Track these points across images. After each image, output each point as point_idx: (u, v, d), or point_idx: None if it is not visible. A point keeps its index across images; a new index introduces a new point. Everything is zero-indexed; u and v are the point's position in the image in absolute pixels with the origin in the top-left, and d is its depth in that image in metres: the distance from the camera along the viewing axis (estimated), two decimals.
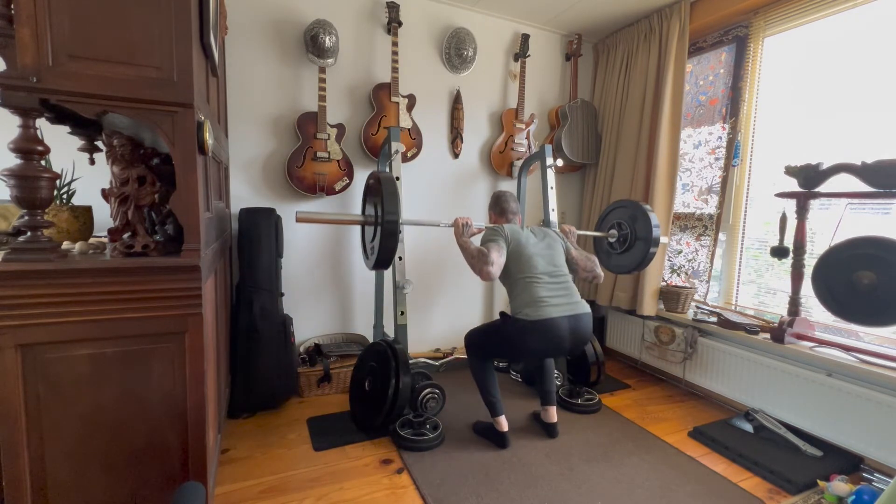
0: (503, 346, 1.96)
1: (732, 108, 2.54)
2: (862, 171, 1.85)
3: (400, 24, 2.56)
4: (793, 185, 2.11)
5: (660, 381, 2.82)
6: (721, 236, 2.62)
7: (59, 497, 1.10)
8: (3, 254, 1.05)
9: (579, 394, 2.38)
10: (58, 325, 1.05)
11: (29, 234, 1.05)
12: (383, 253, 1.80)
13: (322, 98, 2.41)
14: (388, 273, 2.55)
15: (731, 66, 2.57)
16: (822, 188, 2.04)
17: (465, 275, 3.03)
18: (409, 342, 2.24)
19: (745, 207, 2.53)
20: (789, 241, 2.14)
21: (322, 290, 2.67)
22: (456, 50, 2.77)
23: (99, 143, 1.43)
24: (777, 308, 2.40)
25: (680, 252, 2.86)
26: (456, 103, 2.84)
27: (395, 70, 2.55)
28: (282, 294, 2.35)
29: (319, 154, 2.44)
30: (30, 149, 1.03)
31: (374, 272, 2.66)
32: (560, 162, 3.05)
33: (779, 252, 2.15)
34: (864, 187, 1.87)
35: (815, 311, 2.21)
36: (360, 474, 1.76)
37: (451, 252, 2.98)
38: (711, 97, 2.70)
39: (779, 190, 2.17)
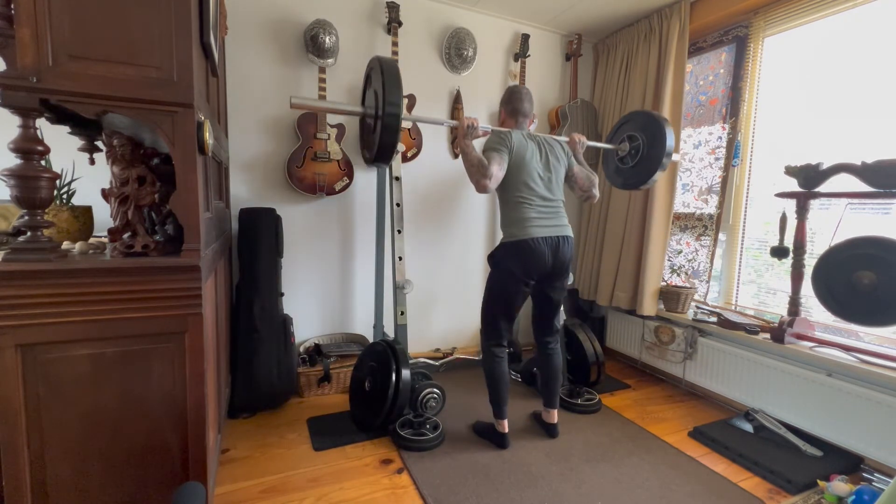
0: (498, 294, 1.93)
1: (732, 108, 2.54)
2: (862, 172, 1.85)
3: (400, 24, 2.56)
4: (793, 185, 2.11)
5: (660, 381, 2.82)
6: (721, 236, 2.62)
7: (59, 497, 1.10)
8: (3, 254, 1.05)
9: (579, 394, 2.38)
10: (58, 325, 1.05)
11: (29, 234, 1.05)
12: (383, 148, 1.68)
13: (322, 98, 2.41)
14: (388, 273, 2.55)
15: (731, 66, 2.57)
16: (822, 188, 2.04)
17: (465, 275, 3.04)
18: (409, 342, 2.24)
19: (745, 207, 2.53)
20: (789, 241, 2.14)
21: (322, 290, 2.67)
22: (456, 50, 2.77)
23: (99, 143, 1.43)
24: (777, 308, 2.40)
25: (680, 252, 2.86)
26: (456, 103, 2.84)
27: None
28: (282, 294, 2.35)
29: (319, 154, 2.44)
30: (30, 149, 1.03)
31: (374, 273, 2.67)
32: None
33: (779, 252, 2.15)
34: (864, 187, 1.87)
35: (815, 311, 2.21)
36: (360, 474, 1.76)
37: (452, 252, 2.99)
38: (711, 97, 2.70)
39: (779, 190, 2.18)
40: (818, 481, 1.73)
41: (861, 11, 2.04)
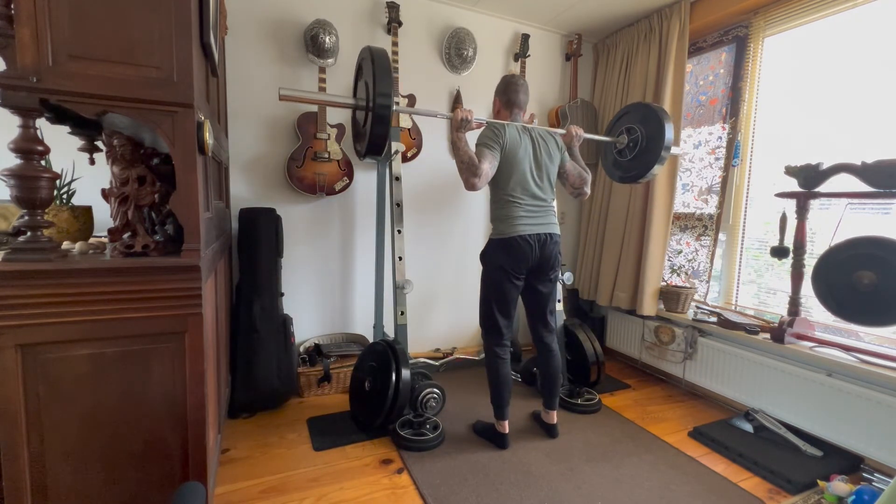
0: (491, 289, 1.94)
1: (732, 108, 2.54)
2: (862, 171, 1.85)
3: (400, 24, 2.56)
4: (793, 185, 2.11)
5: (660, 381, 2.81)
6: (721, 236, 2.62)
7: (58, 497, 1.09)
8: (3, 254, 1.05)
9: (579, 394, 2.38)
10: (58, 325, 1.05)
11: (29, 234, 1.05)
12: (374, 139, 1.67)
13: None
14: (388, 273, 2.55)
15: (731, 66, 2.57)
16: (822, 188, 2.04)
17: (465, 275, 3.03)
18: (409, 342, 2.24)
19: (745, 207, 2.53)
20: (789, 241, 2.14)
21: (322, 290, 2.67)
22: (456, 50, 2.77)
23: (99, 143, 1.43)
24: (777, 308, 2.40)
25: (680, 252, 2.86)
26: (456, 103, 2.84)
27: (395, 70, 2.55)
28: (282, 294, 2.35)
29: (319, 154, 2.44)
30: (30, 149, 1.03)
31: (374, 273, 2.67)
32: None
33: (779, 252, 2.15)
34: (864, 187, 1.87)
35: (815, 311, 2.21)
36: (360, 474, 1.76)
37: (452, 252, 2.99)
38: (711, 97, 2.70)
39: (779, 190, 2.17)
40: (818, 481, 1.73)
41: (861, 11, 2.04)
